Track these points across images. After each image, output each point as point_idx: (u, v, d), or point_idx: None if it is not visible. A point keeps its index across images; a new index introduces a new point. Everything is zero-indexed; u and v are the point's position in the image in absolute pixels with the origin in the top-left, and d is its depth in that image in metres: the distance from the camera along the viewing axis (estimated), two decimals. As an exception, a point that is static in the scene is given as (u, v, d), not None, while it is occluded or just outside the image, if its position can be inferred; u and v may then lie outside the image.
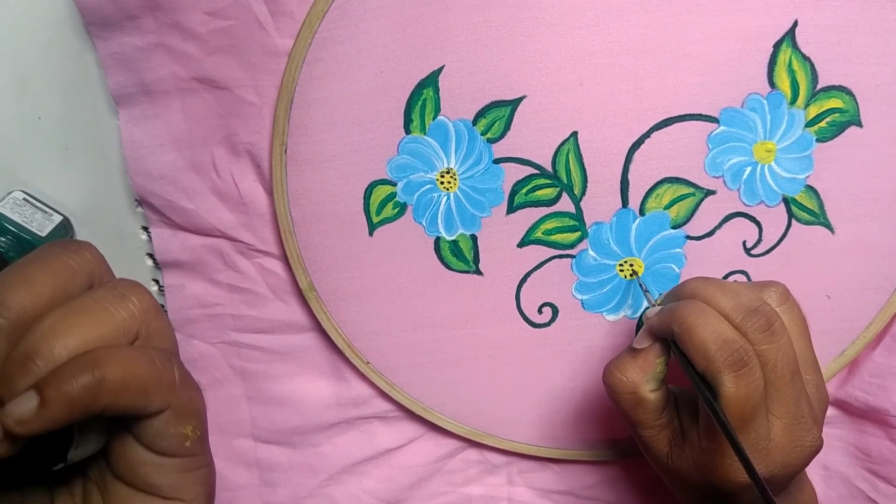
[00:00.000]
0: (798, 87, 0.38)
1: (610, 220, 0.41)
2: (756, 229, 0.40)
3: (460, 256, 0.42)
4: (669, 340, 0.34)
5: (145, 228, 0.44)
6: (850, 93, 0.38)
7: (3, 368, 0.22)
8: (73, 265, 0.24)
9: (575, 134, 0.39)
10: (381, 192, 0.41)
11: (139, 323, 0.24)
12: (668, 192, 0.40)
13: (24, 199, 0.43)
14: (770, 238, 0.40)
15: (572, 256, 0.41)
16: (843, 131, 0.38)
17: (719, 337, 0.31)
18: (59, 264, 0.24)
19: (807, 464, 0.34)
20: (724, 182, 0.39)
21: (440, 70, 0.38)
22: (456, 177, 0.40)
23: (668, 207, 0.40)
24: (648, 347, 0.35)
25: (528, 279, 0.42)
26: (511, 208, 0.40)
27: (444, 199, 0.41)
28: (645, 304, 0.42)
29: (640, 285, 0.41)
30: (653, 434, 0.35)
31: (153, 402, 0.24)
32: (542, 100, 0.38)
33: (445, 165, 0.40)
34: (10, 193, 0.43)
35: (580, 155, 0.39)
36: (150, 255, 0.45)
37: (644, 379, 0.35)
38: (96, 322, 0.23)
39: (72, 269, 0.24)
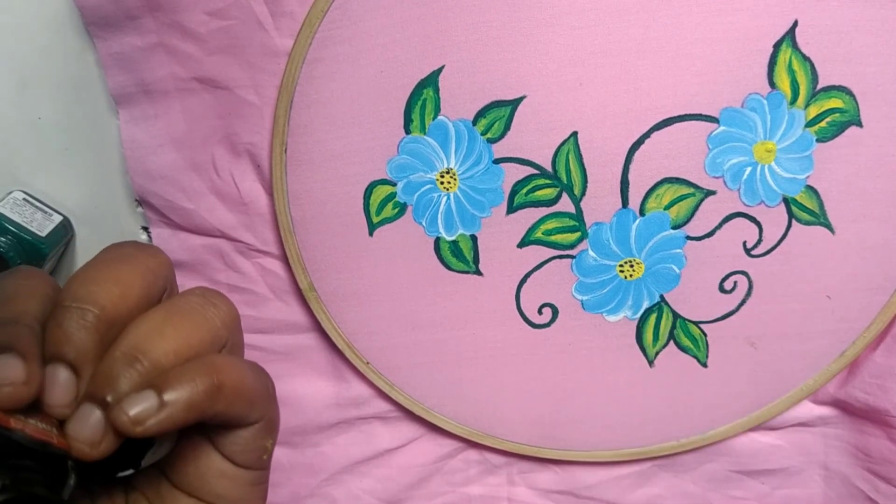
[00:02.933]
0: (798, 87, 0.38)
1: (610, 221, 0.40)
2: (756, 229, 0.40)
3: (460, 257, 0.42)
4: None
5: (145, 228, 0.44)
6: (850, 93, 0.38)
7: (106, 366, 0.21)
8: (154, 268, 0.24)
9: (575, 134, 0.39)
10: (381, 192, 0.40)
11: (228, 332, 0.24)
12: (668, 193, 0.40)
13: (24, 199, 0.43)
14: (770, 238, 0.40)
15: (572, 257, 0.41)
16: (843, 131, 0.38)
17: None
18: (143, 266, 0.23)
19: None
20: (725, 182, 0.39)
21: (440, 70, 0.38)
22: (456, 177, 0.40)
23: (668, 208, 0.40)
24: None
25: (528, 279, 0.42)
26: (511, 208, 0.40)
27: (444, 199, 0.41)
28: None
29: None
30: None
31: (254, 413, 0.24)
32: (542, 100, 0.38)
33: (445, 165, 0.40)
34: (10, 193, 0.43)
35: (580, 155, 0.39)
36: (150, 255, 0.45)
37: None
38: (196, 327, 0.23)
39: (154, 273, 0.24)
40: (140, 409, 0.20)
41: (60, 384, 0.21)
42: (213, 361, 0.22)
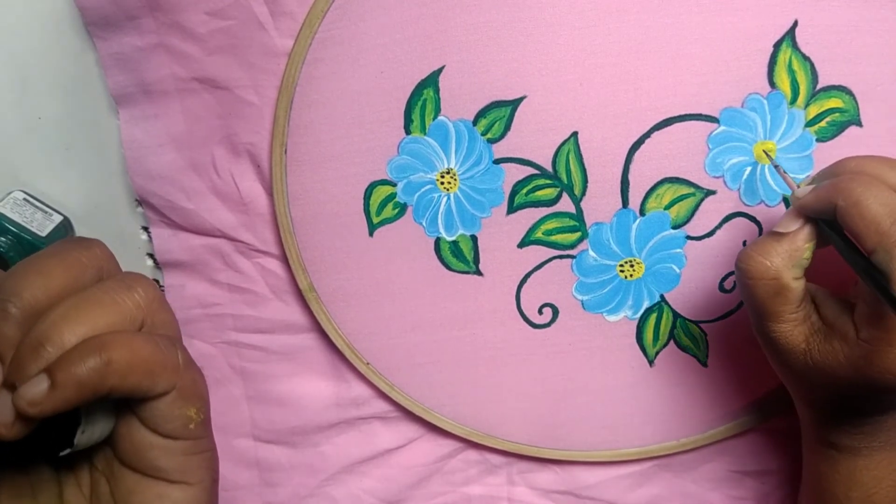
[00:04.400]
0: (798, 87, 0.38)
1: (610, 221, 0.40)
2: (756, 229, 0.40)
3: (460, 257, 0.42)
4: (822, 223, 0.32)
5: (145, 228, 0.44)
6: (849, 92, 0.38)
7: (16, 355, 0.23)
8: (83, 260, 0.25)
9: (575, 134, 0.39)
10: (382, 192, 0.41)
11: (145, 313, 0.25)
12: (669, 193, 0.40)
13: (25, 199, 0.43)
14: (770, 238, 0.40)
15: (572, 257, 0.41)
16: (843, 131, 0.38)
17: (894, 210, 0.29)
18: (71, 258, 0.25)
19: None
20: (725, 182, 0.39)
21: (440, 70, 0.38)
22: (456, 177, 0.40)
23: (668, 207, 0.40)
24: (796, 230, 0.33)
25: (529, 280, 0.42)
26: (511, 208, 0.40)
27: (445, 199, 0.41)
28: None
29: (777, 167, 0.37)
30: (788, 329, 0.33)
31: (158, 384, 0.25)
32: (543, 100, 0.38)
33: (445, 166, 0.40)
34: (10, 193, 0.43)
35: (580, 155, 0.39)
36: (150, 255, 0.45)
37: (789, 264, 0.32)
38: (104, 311, 0.24)
39: (82, 264, 0.25)
40: (33, 393, 0.22)
41: None
42: (102, 339, 0.23)
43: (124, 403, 0.25)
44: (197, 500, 0.27)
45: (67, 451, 0.24)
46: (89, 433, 0.25)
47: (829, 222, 0.32)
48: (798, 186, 0.34)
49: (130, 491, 0.26)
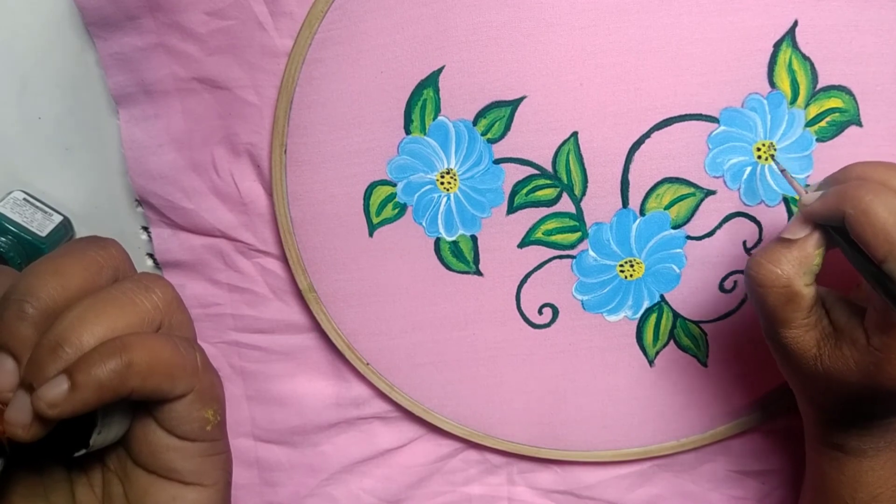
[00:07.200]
0: (798, 87, 0.38)
1: (610, 221, 0.40)
2: (756, 229, 0.40)
3: (460, 257, 0.42)
4: (830, 229, 0.32)
5: (145, 228, 0.44)
6: (850, 92, 0.38)
7: (33, 355, 0.22)
8: (100, 260, 0.25)
9: (575, 134, 0.39)
10: (381, 192, 0.41)
11: (162, 314, 0.25)
12: (669, 193, 0.40)
13: (25, 199, 0.43)
14: (770, 238, 0.40)
15: (573, 257, 0.41)
16: (842, 131, 0.38)
17: None
18: (87, 258, 0.25)
19: None
20: (725, 182, 0.39)
21: (440, 70, 0.38)
22: (456, 177, 0.40)
23: (668, 207, 0.40)
24: (806, 237, 0.32)
25: (529, 280, 0.42)
26: (511, 209, 0.40)
27: (445, 199, 0.41)
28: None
29: (784, 172, 0.36)
30: (799, 335, 0.33)
31: (178, 386, 0.25)
32: (543, 100, 0.38)
33: (445, 166, 0.40)
34: (10, 193, 0.43)
35: (580, 155, 0.39)
36: (151, 255, 0.45)
37: (800, 272, 0.32)
38: (122, 312, 0.24)
39: (99, 264, 0.25)
40: (53, 394, 0.22)
41: (4, 371, 0.23)
42: (123, 341, 0.23)
43: (141, 404, 0.25)
44: (212, 501, 0.27)
45: (83, 451, 0.24)
46: (105, 434, 0.24)
47: (837, 228, 0.32)
48: (805, 192, 0.34)
49: (144, 492, 0.26)
